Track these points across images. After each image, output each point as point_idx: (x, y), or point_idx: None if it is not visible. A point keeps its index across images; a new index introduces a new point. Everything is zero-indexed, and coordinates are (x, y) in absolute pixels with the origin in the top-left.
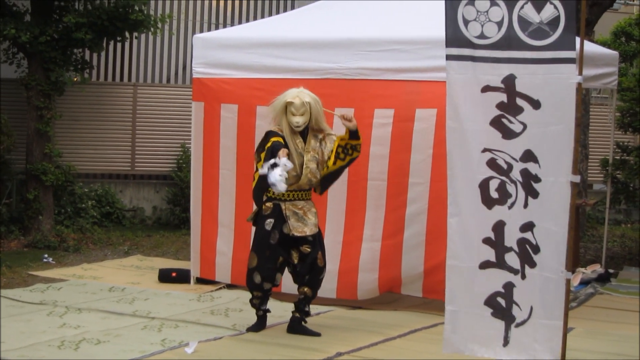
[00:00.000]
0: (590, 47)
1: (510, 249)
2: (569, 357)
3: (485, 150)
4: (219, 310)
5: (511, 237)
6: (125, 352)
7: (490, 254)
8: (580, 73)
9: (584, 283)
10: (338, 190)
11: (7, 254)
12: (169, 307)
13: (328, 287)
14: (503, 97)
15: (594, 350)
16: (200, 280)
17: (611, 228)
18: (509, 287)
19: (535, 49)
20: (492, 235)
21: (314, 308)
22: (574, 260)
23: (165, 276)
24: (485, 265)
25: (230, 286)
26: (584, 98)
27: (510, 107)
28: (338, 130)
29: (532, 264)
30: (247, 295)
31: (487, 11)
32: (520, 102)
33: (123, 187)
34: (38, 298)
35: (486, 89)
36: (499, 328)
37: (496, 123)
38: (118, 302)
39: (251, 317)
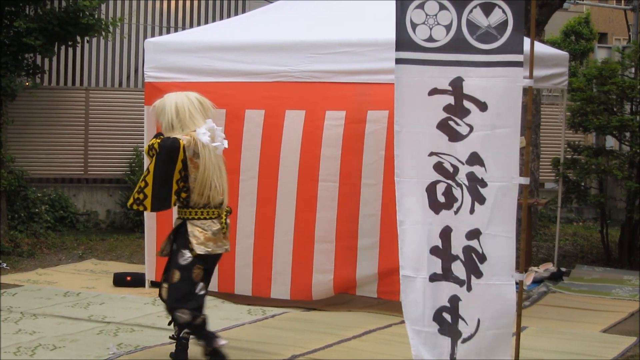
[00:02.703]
0: (540, 48)
1: (456, 257)
2: (523, 356)
3: (432, 153)
4: None
5: (457, 245)
6: (82, 357)
7: (437, 266)
8: (531, 76)
9: (537, 282)
10: (287, 191)
11: None
12: (124, 311)
13: (282, 288)
14: (450, 100)
15: (547, 349)
16: (155, 284)
17: (563, 227)
18: (454, 300)
19: (483, 52)
20: (439, 243)
21: (269, 310)
22: (527, 260)
23: (120, 280)
24: (433, 277)
25: None
26: (534, 98)
27: (457, 110)
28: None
29: (479, 274)
30: None
31: (435, 15)
32: (467, 104)
33: (76, 191)
34: None
35: (433, 91)
36: (446, 345)
37: (443, 126)
38: (73, 307)
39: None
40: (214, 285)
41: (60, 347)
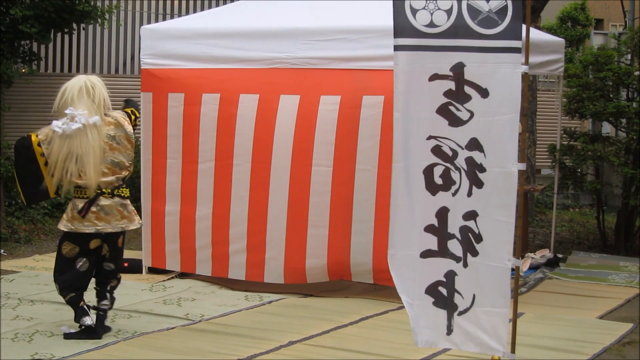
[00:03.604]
0: (536, 35)
1: (453, 236)
2: (519, 342)
3: (430, 137)
4: (171, 300)
5: (454, 224)
6: (79, 344)
7: (432, 243)
8: (526, 63)
9: (533, 268)
10: (281, 176)
11: None
12: (121, 297)
13: (275, 273)
14: (451, 85)
15: (544, 335)
16: (152, 270)
17: (559, 213)
18: (450, 275)
19: (485, 37)
20: (435, 222)
21: (266, 296)
22: (523, 246)
23: None
24: (426, 254)
25: (182, 275)
26: (530, 84)
27: (458, 95)
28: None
29: (475, 253)
30: (200, 284)
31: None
32: (468, 90)
33: None
34: None
35: (434, 77)
36: (442, 316)
37: (443, 111)
38: None
39: (204, 306)
40: (207, 269)
41: (57, 333)
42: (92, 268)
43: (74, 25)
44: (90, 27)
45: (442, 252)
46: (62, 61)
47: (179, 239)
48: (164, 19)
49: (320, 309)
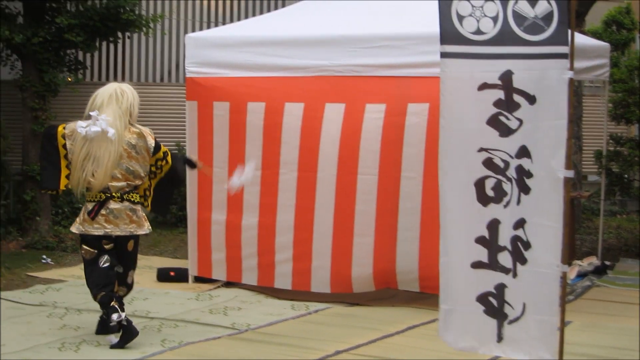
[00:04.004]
0: (581, 40)
1: (504, 248)
2: (567, 350)
3: (481, 149)
4: (217, 309)
5: (505, 236)
6: (126, 353)
7: (482, 254)
8: (572, 68)
9: (581, 276)
10: (326, 185)
11: (5, 256)
12: (167, 306)
13: (322, 282)
14: (500, 94)
15: (592, 343)
16: (198, 279)
17: (607, 220)
18: (500, 288)
19: (531, 44)
20: (486, 233)
21: (312, 305)
22: (570, 253)
23: (164, 275)
24: (477, 265)
25: (228, 284)
26: (576, 90)
27: (507, 104)
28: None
29: (523, 261)
30: (246, 293)
31: (482, 6)
32: (517, 98)
33: None
34: (38, 299)
35: (483, 86)
36: (492, 324)
37: (493, 121)
38: None
39: (250, 315)
40: (253, 278)
41: (104, 343)
42: (114, 264)
43: (119, 34)
44: (135, 35)
45: (493, 264)
46: (107, 70)
47: (225, 248)
48: (209, 27)
49: (366, 318)
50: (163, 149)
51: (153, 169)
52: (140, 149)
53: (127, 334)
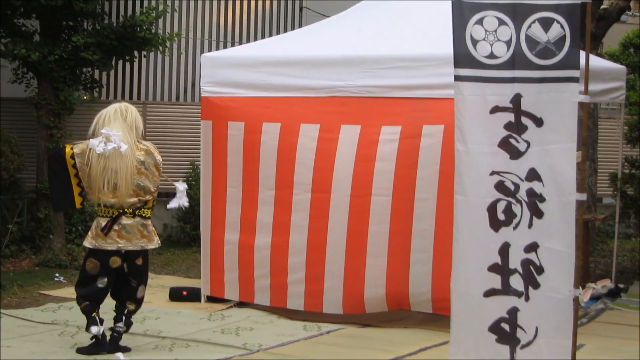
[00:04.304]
0: (596, 62)
1: (514, 271)
2: None
3: (493, 172)
4: (229, 329)
5: (515, 259)
6: None
7: (495, 281)
8: (586, 92)
9: (594, 298)
10: (340, 205)
11: (18, 273)
12: (179, 326)
13: (334, 303)
14: (511, 117)
15: None
16: (211, 299)
17: (621, 242)
18: (513, 312)
19: (542, 68)
20: (499, 260)
21: (324, 326)
22: (584, 276)
23: (176, 295)
24: (490, 293)
25: (241, 304)
26: (592, 112)
27: (517, 127)
28: None
29: (536, 285)
30: (258, 313)
31: (495, 30)
32: (524, 120)
33: None
34: (49, 318)
35: (495, 109)
36: (504, 351)
37: (504, 144)
38: None
39: (262, 335)
40: (265, 299)
41: None
42: (110, 285)
43: (135, 53)
44: (152, 54)
45: (505, 289)
46: (123, 88)
47: (237, 268)
48: (225, 46)
49: (378, 339)
50: None
51: None
52: (149, 165)
53: (98, 345)
